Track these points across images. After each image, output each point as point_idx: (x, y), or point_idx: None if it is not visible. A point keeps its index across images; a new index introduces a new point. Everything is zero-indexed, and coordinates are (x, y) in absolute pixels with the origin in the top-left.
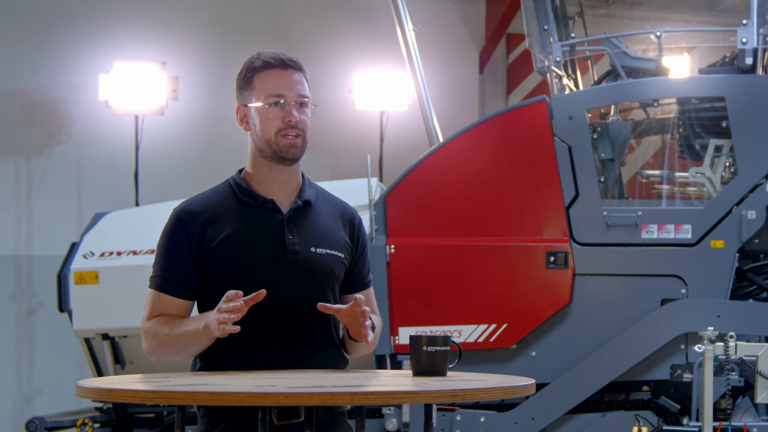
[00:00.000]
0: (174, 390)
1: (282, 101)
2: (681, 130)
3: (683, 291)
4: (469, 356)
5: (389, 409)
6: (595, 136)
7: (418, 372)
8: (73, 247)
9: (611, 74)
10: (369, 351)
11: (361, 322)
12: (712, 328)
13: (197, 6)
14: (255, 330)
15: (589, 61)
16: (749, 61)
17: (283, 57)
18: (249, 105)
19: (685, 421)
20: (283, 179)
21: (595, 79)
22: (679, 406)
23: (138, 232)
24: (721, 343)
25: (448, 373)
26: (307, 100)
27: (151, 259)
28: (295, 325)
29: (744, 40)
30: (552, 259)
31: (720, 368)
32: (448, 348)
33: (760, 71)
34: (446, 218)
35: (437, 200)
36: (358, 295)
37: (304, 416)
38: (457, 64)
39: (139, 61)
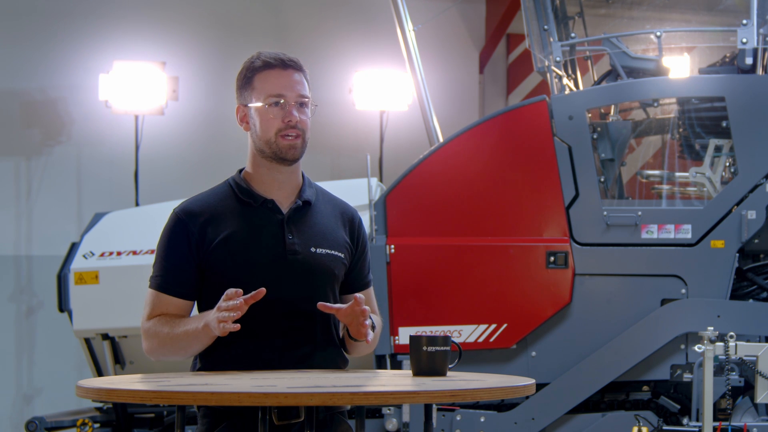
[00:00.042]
0: (174, 390)
1: (282, 101)
2: (681, 130)
3: (683, 291)
4: (469, 356)
5: (389, 409)
6: (595, 136)
7: (418, 372)
8: (73, 247)
9: (611, 74)
10: (369, 351)
11: (361, 322)
12: (712, 328)
13: (197, 6)
14: (255, 329)
15: (589, 61)
16: (749, 61)
17: (283, 57)
18: (249, 105)
19: (685, 421)
20: (283, 179)
21: (595, 79)
22: (679, 406)
23: (138, 232)
24: (721, 343)
25: (448, 373)
26: (307, 100)
27: (151, 259)
28: (295, 325)
29: (744, 40)
30: (552, 259)
31: (720, 368)
32: (448, 348)
33: (760, 71)
34: (446, 218)
35: (437, 200)
36: (358, 295)
37: (304, 416)
38: (457, 64)
39: (139, 61)
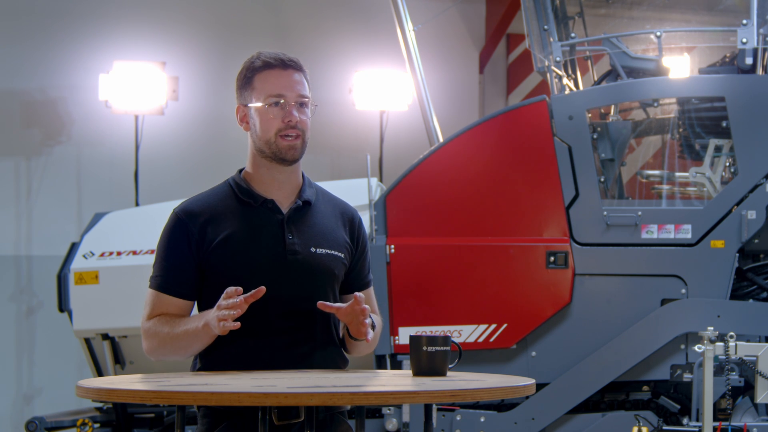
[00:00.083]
0: (174, 390)
1: (282, 101)
2: (681, 130)
3: (683, 291)
4: (469, 356)
5: (389, 409)
6: (595, 136)
7: (418, 372)
8: (73, 247)
9: (611, 74)
10: (369, 350)
11: (361, 321)
12: (712, 328)
13: (197, 6)
14: (255, 328)
15: (589, 61)
16: (749, 61)
17: (283, 57)
18: (249, 105)
19: (685, 421)
20: (283, 179)
21: (595, 79)
22: (679, 406)
23: (138, 232)
24: (721, 343)
25: (448, 373)
26: (307, 100)
27: (151, 259)
28: (295, 324)
29: (744, 40)
30: (552, 259)
31: (720, 368)
32: (448, 348)
33: (760, 71)
34: (446, 218)
35: (437, 200)
36: (358, 293)
37: (304, 416)
38: (457, 64)
39: (139, 61)
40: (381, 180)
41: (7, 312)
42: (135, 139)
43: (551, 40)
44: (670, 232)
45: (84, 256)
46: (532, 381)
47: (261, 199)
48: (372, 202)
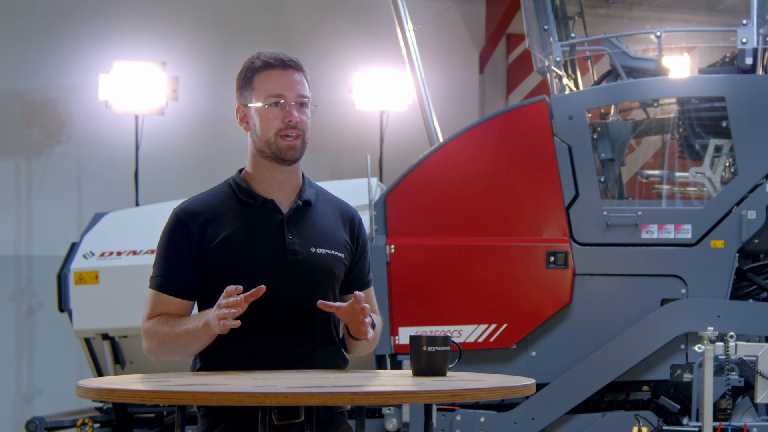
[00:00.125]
0: (174, 390)
1: (282, 101)
2: (681, 130)
3: (683, 291)
4: (469, 356)
5: (389, 409)
6: (595, 136)
7: (418, 372)
8: (73, 247)
9: (611, 74)
10: (369, 350)
11: (361, 320)
12: (712, 328)
13: (197, 6)
14: (255, 327)
15: (589, 61)
16: (749, 61)
17: (283, 57)
18: (249, 105)
19: (685, 421)
20: (283, 179)
21: (595, 79)
22: (679, 406)
23: (138, 232)
24: (721, 343)
25: (448, 373)
26: (307, 100)
27: (151, 259)
28: (295, 323)
29: (744, 40)
30: (552, 259)
31: (720, 368)
32: (448, 348)
33: (760, 71)
34: (446, 218)
35: (437, 200)
36: (358, 292)
37: (304, 416)
38: (457, 64)
39: (139, 61)
40: (381, 180)
41: (7, 312)
42: (135, 139)
43: (551, 40)
44: (670, 232)
45: (84, 256)
46: (532, 381)
47: (261, 199)
48: (372, 202)
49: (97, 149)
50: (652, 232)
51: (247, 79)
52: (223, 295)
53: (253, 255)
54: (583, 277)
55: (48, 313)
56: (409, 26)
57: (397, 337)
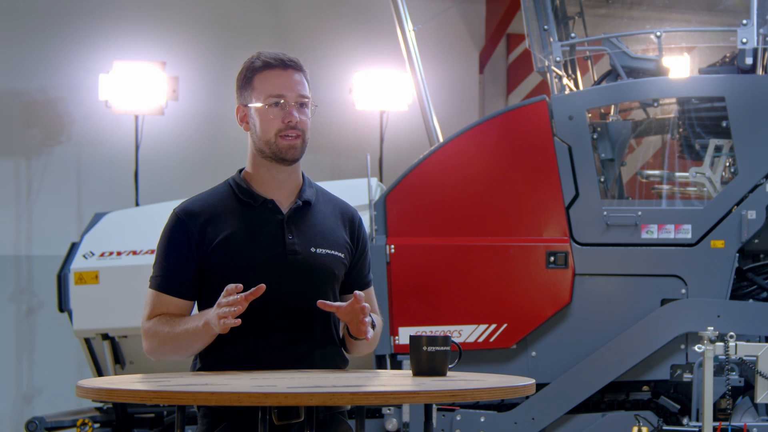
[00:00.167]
0: (174, 390)
1: (282, 101)
2: (681, 130)
3: (683, 291)
4: (469, 356)
5: (389, 409)
6: (595, 136)
7: (418, 372)
8: (73, 247)
9: (611, 74)
10: (369, 350)
11: (361, 319)
12: (712, 328)
13: (197, 6)
14: (255, 327)
15: (589, 61)
16: (749, 61)
17: (283, 57)
18: (249, 105)
19: (685, 421)
20: (283, 179)
21: (595, 79)
22: (679, 406)
23: (138, 232)
24: (721, 343)
25: (448, 373)
26: (307, 100)
27: (151, 259)
28: (295, 323)
29: (744, 40)
30: (552, 259)
31: (720, 368)
32: (448, 348)
33: (760, 71)
34: (446, 218)
35: (437, 200)
36: (358, 292)
37: (304, 416)
38: (457, 64)
39: (139, 61)
40: (381, 180)
41: (7, 312)
42: (135, 139)
43: (551, 40)
44: (670, 232)
45: (84, 256)
46: (532, 381)
47: (261, 199)
48: (372, 202)
49: (97, 149)
50: (652, 232)
51: (247, 79)
52: (223, 294)
53: (253, 255)
54: (583, 277)
55: (48, 313)
56: (409, 26)
57: (397, 337)
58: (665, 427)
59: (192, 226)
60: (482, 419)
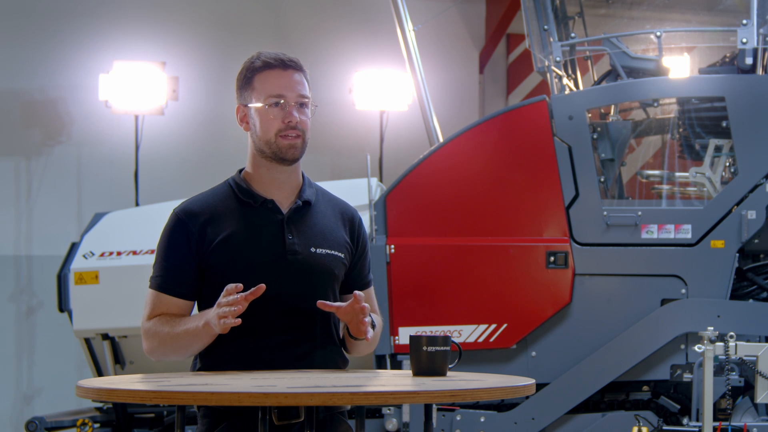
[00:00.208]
0: (174, 390)
1: (282, 102)
2: (681, 130)
3: (683, 291)
4: (469, 356)
5: (389, 409)
6: (595, 136)
7: (418, 372)
8: (73, 247)
9: (611, 74)
10: (369, 350)
11: (361, 319)
12: (712, 328)
13: (197, 6)
14: (255, 327)
15: (589, 61)
16: (749, 61)
17: (283, 57)
18: (249, 105)
19: (685, 421)
20: (283, 179)
21: (595, 79)
22: (679, 406)
23: (138, 232)
24: (721, 343)
25: (448, 373)
26: (307, 100)
27: (151, 259)
28: (295, 323)
29: (744, 40)
30: (552, 259)
31: (720, 368)
32: (448, 348)
33: (760, 71)
34: (446, 218)
35: (437, 200)
36: (358, 291)
37: (304, 416)
38: (457, 64)
39: (139, 61)
40: (381, 180)
41: (7, 312)
42: (135, 139)
43: (551, 40)
44: (670, 232)
45: (84, 256)
46: (532, 381)
47: (261, 199)
48: (372, 202)
49: (97, 149)
50: (652, 232)
51: (247, 79)
52: (223, 293)
53: (253, 255)
54: (583, 277)
55: (48, 313)
56: (409, 26)
57: (397, 337)
58: (665, 427)
59: (192, 226)
60: (482, 419)
